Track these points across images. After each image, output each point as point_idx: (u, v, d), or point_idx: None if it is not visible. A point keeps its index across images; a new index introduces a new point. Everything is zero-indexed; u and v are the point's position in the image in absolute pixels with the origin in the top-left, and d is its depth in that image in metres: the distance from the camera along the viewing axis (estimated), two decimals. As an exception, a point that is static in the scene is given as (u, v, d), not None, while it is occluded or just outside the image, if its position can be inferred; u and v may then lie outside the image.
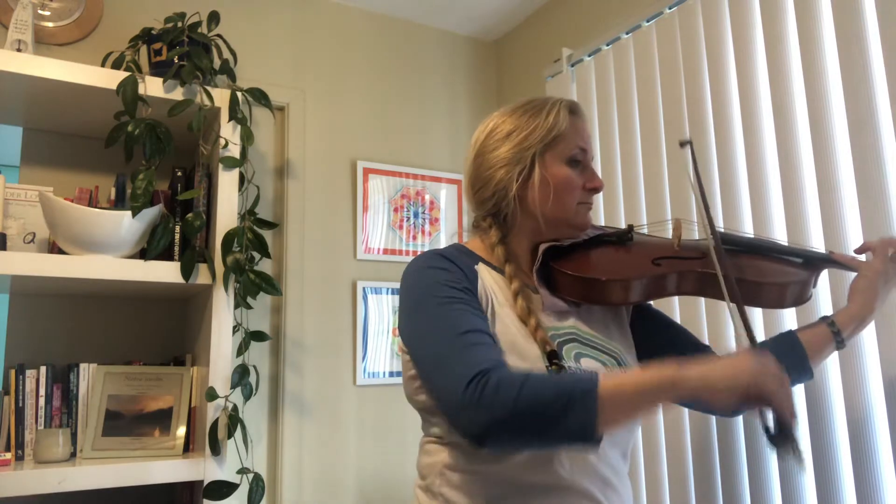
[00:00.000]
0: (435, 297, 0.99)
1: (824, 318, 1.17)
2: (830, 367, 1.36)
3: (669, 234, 1.20)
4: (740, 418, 1.52)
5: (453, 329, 0.94)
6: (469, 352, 0.92)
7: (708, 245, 1.06)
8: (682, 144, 1.13)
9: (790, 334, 1.18)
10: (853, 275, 1.18)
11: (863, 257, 1.21)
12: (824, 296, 1.39)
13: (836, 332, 1.15)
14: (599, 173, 1.99)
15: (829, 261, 1.19)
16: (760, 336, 1.50)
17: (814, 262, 1.17)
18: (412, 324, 1.01)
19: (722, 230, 1.25)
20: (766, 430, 0.89)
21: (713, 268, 1.04)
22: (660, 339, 1.20)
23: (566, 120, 1.10)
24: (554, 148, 1.09)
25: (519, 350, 0.99)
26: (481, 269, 1.07)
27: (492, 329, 1.00)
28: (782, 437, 0.87)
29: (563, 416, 0.84)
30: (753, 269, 1.12)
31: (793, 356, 1.15)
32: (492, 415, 0.85)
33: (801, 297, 1.12)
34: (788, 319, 1.45)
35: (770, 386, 0.85)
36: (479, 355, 0.91)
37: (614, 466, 1.03)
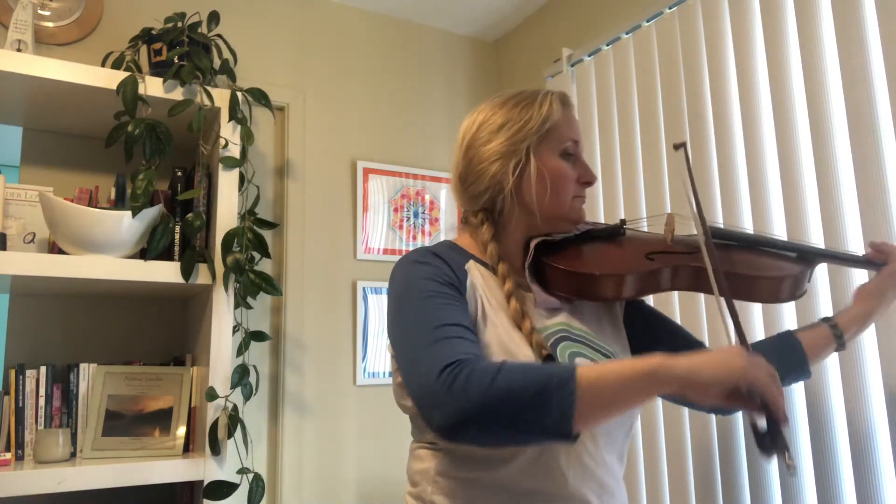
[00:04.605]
0: (417, 291, 0.97)
1: (826, 320, 1.17)
2: (830, 367, 1.36)
3: (662, 229, 1.19)
4: (740, 417, 1.52)
5: (432, 322, 0.92)
6: (445, 344, 0.89)
7: (700, 240, 1.05)
8: (677, 147, 1.10)
9: (789, 335, 1.17)
10: (850, 272, 1.18)
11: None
12: (823, 292, 1.39)
13: (839, 335, 1.14)
14: (598, 171, 1.99)
15: (824, 255, 1.18)
16: (756, 333, 1.50)
17: (808, 257, 1.16)
18: (394, 318, 0.99)
19: (716, 225, 1.24)
20: (755, 430, 0.85)
21: (705, 263, 1.02)
22: (652, 336, 1.18)
23: (559, 111, 1.08)
24: (548, 140, 1.06)
25: (511, 353, 0.96)
26: (472, 267, 1.04)
27: (482, 331, 0.98)
28: (772, 438, 0.82)
29: (537, 407, 0.80)
30: (747, 264, 1.11)
31: (793, 357, 1.14)
32: (463, 403, 0.81)
33: (795, 292, 1.11)
34: (787, 315, 1.46)
35: (761, 381, 0.81)
36: (454, 347, 0.88)
37: (612, 471, 1.01)
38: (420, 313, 0.94)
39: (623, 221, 1.18)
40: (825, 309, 1.38)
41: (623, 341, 1.13)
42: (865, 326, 1.17)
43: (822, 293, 1.39)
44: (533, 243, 1.07)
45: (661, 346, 1.16)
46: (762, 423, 0.84)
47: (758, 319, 1.51)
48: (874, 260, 1.17)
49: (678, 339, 1.20)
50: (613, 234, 1.17)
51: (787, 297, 1.11)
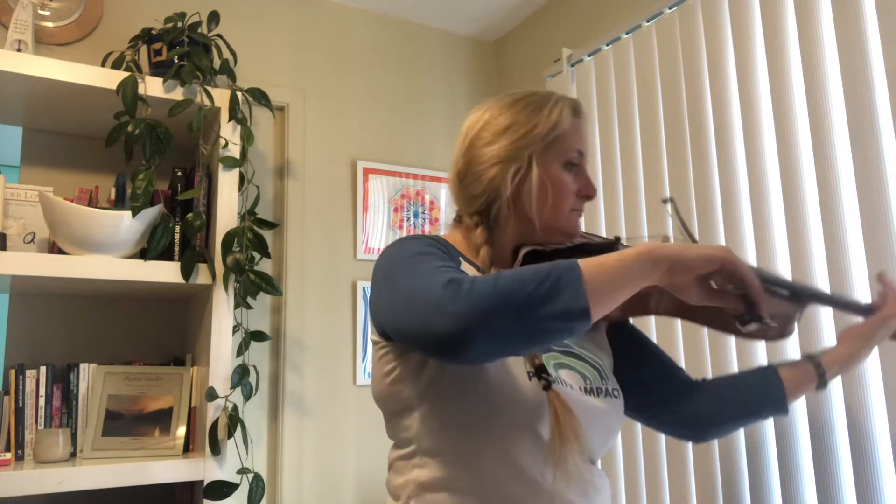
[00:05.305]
0: (410, 254, 0.92)
1: (811, 358, 1.14)
2: (830, 367, 1.36)
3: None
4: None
5: (426, 266, 0.87)
6: (444, 270, 0.86)
7: None
8: (665, 202, 1.08)
9: (771, 369, 1.14)
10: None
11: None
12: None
13: (822, 375, 1.12)
14: (599, 176, 1.99)
15: (817, 298, 1.12)
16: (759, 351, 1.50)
17: (802, 297, 1.11)
18: (385, 279, 0.93)
19: None
20: (735, 316, 0.91)
21: None
22: (636, 354, 1.16)
23: (568, 120, 1.04)
24: (553, 149, 1.03)
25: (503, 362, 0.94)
26: (464, 266, 1.02)
27: None
28: (751, 312, 0.90)
29: (551, 292, 0.78)
30: None
31: (772, 393, 1.12)
32: (473, 304, 0.77)
33: (783, 333, 1.07)
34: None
35: (741, 264, 0.86)
36: (454, 272, 0.85)
37: (594, 468, 1.00)
38: (417, 263, 0.89)
39: (618, 238, 1.13)
40: (828, 327, 1.38)
41: (608, 355, 1.12)
42: (849, 368, 1.15)
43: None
44: (522, 252, 1.03)
45: (643, 366, 1.16)
46: (741, 309, 0.90)
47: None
48: (867, 305, 1.12)
49: (658, 363, 1.18)
50: (606, 250, 1.11)
51: (774, 338, 1.08)
